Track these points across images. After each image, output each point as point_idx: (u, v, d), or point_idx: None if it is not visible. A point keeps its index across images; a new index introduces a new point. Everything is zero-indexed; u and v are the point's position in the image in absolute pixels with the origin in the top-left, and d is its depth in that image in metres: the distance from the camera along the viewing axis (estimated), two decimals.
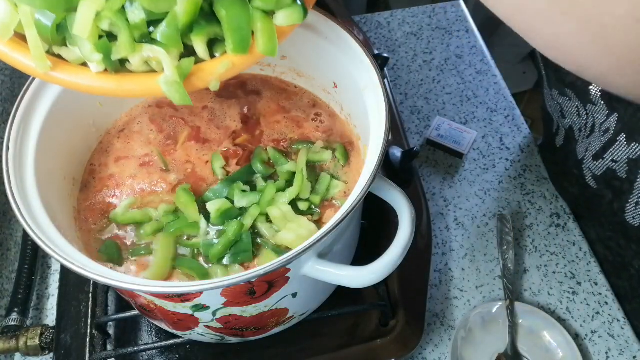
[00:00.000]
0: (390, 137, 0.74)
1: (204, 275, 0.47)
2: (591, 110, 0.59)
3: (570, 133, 0.67)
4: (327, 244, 0.43)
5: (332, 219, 0.39)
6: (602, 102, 0.56)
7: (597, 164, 0.62)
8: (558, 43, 0.34)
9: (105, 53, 0.35)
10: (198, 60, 0.38)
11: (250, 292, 0.42)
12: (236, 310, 0.45)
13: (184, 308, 0.44)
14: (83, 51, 0.35)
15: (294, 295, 0.47)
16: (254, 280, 0.37)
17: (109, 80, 0.37)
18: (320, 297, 0.54)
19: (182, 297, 0.42)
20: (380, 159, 0.41)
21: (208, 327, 0.48)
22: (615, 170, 0.59)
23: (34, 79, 0.47)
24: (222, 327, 0.47)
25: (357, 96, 0.50)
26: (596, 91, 0.56)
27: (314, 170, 0.54)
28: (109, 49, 0.35)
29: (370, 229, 0.61)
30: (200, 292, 0.40)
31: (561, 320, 0.66)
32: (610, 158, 0.59)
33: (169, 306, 0.44)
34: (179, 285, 0.37)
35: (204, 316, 0.45)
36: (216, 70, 0.38)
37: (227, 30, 0.36)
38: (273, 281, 0.42)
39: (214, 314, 0.45)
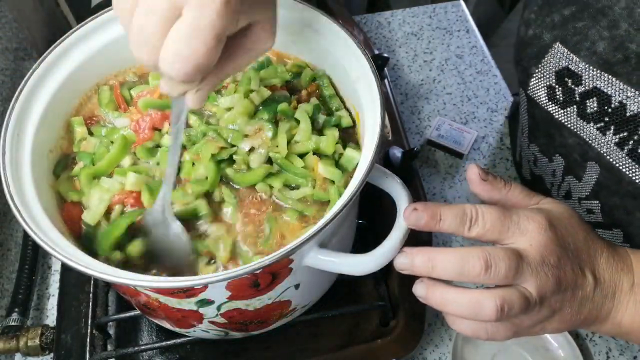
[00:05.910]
0: (390, 137, 0.74)
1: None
2: (570, 181, 0.57)
3: (538, 179, 0.66)
4: (328, 233, 0.43)
5: (333, 208, 0.39)
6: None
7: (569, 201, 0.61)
8: None
9: None
10: None
11: (255, 284, 0.42)
12: (240, 304, 0.45)
13: (188, 304, 0.44)
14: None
15: (297, 286, 0.47)
16: (258, 271, 0.38)
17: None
18: (321, 288, 0.54)
19: (188, 292, 0.42)
20: (378, 145, 0.41)
21: (212, 322, 0.48)
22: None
23: (27, 80, 0.47)
24: (226, 322, 0.48)
25: (350, 87, 0.50)
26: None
27: None
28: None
29: (367, 229, 0.61)
30: (206, 286, 0.41)
31: None
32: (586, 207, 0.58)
33: (174, 302, 0.44)
34: (185, 280, 0.37)
35: (208, 311, 0.45)
36: None
37: None
38: (277, 272, 0.42)
39: (218, 308, 0.45)
